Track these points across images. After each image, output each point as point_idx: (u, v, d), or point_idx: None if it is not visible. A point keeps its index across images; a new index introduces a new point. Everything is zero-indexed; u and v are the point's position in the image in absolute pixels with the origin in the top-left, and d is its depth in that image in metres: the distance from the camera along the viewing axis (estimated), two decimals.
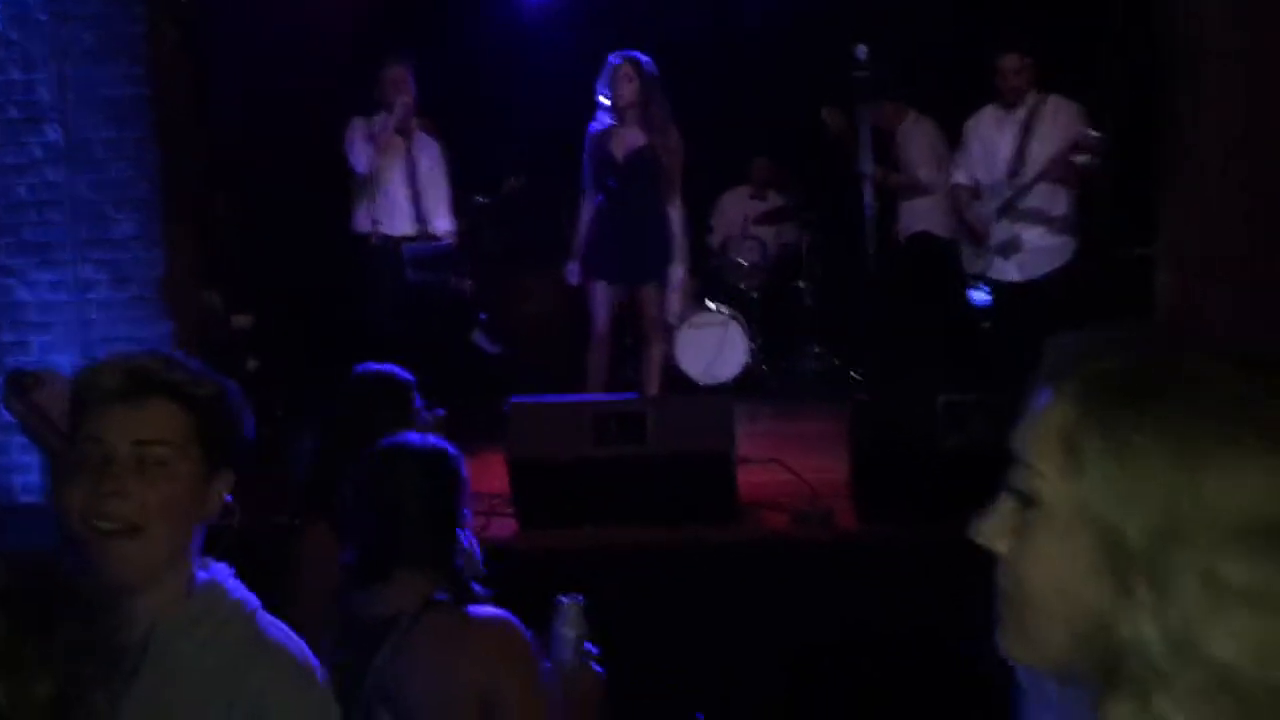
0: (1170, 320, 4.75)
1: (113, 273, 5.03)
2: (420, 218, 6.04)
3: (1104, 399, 0.86)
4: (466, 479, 2.19)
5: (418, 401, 3.06)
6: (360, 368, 3.12)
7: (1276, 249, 4.40)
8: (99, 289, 5.04)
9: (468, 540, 2.25)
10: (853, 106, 6.15)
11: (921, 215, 6.79)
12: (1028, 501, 0.89)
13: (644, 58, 5.58)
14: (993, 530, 0.91)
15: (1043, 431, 0.89)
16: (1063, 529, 0.86)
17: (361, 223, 5.92)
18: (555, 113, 6.59)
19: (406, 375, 3.08)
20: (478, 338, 6.84)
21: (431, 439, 2.20)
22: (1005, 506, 0.91)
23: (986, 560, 0.93)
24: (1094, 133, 5.35)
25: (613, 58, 5.58)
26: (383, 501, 2.09)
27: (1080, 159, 5.34)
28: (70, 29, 4.91)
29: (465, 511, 2.20)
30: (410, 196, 6.02)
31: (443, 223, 6.18)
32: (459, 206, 6.31)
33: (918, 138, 6.87)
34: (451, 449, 2.19)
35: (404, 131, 6.01)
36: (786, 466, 4.99)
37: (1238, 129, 4.54)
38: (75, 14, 4.90)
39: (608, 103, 5.57)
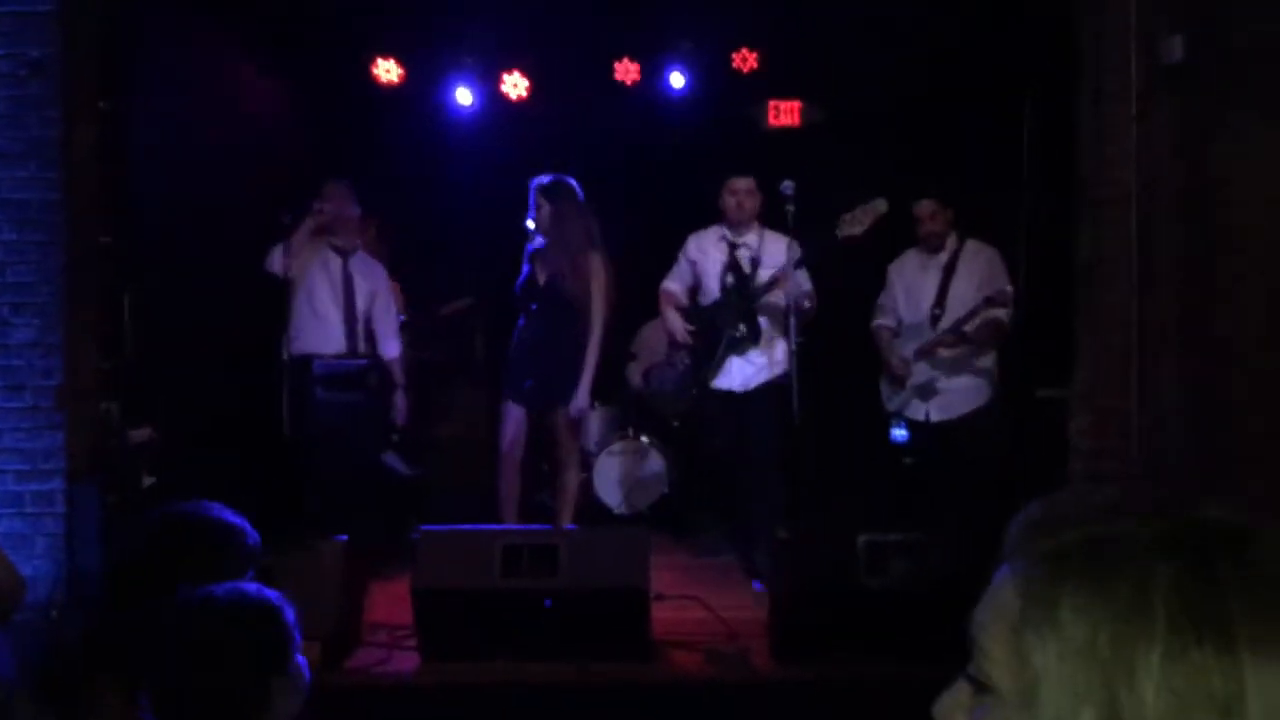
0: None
1: (7, 380, 4.80)
2: (367, 339, 5.93)
3: (1044, 583, 0.79)
4: (289, 632, 2.01)
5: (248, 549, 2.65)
6: (164, 509, 2.72)
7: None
8: None
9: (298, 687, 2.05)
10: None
11: None
12: (980, 686, 0.83)
13: (568, 181, 5.54)
14: (946, 710, 0.85)
15: (994, 615, 0.82)
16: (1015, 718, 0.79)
17: (291, 341, 5.70)
18: (486, 234, 6.53)
19: (229, 520, 2.54)
20: (389, 459, 6.64)
21: (247, 588, 2.03)
22: (961, 687, 0.85)
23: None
24: (1008, 287, 5.45)
25: (531, 184, 5.57)
26: (182, 662, 1.94)
27: (996, 313, 5.43)
28: None
29: (298, 659, 2.02)
30: (344, 319, 5.87)
31: (391, 348, 6.05)
32: None
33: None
34: (273, 598, 2.02)
35: (343, 251, 5.91)
36: (703, 604, 4.86)
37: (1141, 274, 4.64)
38: None
39: (533, 227, 5.56)
